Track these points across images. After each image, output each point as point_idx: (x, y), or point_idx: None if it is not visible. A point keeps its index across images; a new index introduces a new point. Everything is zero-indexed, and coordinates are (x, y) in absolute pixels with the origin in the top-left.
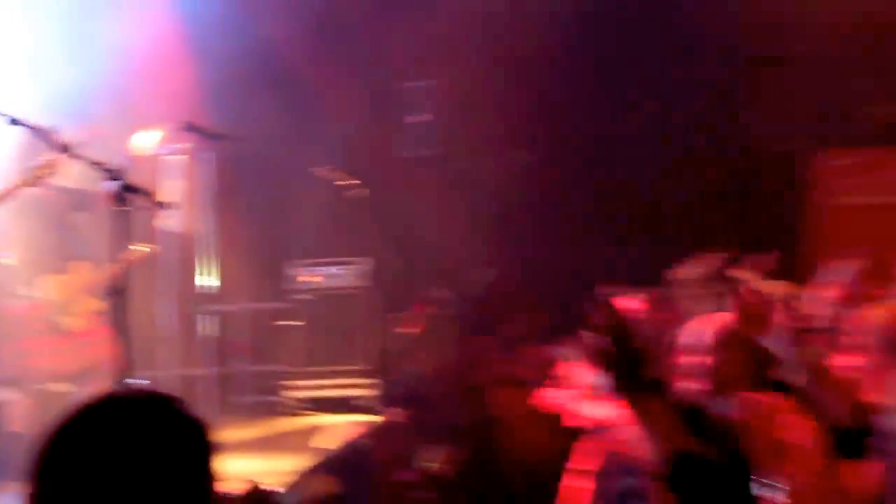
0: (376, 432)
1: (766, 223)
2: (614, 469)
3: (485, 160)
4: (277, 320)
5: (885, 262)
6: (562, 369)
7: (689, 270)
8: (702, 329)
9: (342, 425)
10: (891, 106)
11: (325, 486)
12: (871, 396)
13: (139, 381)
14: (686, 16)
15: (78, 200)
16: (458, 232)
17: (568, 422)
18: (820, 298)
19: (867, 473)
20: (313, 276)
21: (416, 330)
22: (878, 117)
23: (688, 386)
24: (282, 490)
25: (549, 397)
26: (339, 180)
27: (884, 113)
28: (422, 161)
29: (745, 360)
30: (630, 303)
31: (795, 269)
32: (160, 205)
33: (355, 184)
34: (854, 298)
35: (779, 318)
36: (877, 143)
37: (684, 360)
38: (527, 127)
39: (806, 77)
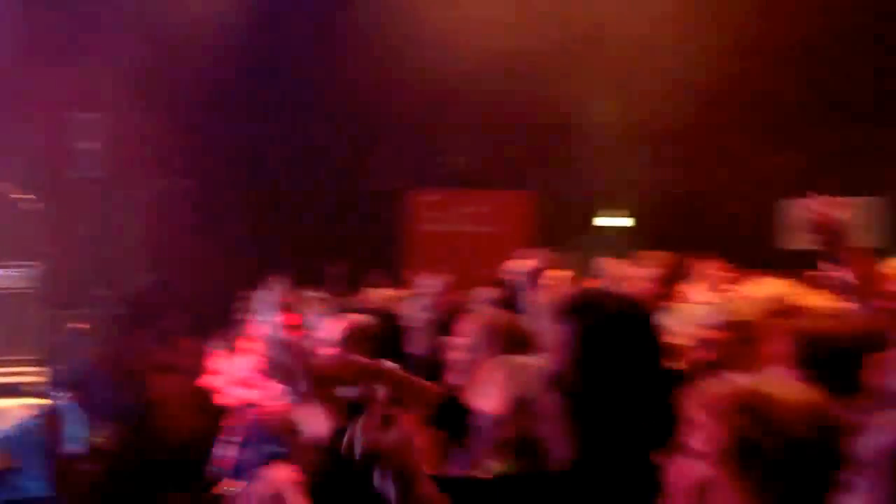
0: (46, 413)
1: (374, 244)
2: (256, 439)
3: (145, 182)
4: None
5: (469, 278)
6: (213, 358)
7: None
8: (334, 328)
9: (15, 408)
10: (464, 156)
11: (2, 462)
12: (467, 391)
13: None
14: (320, 71)
15: None
16: (122, 241)
17: (218, 401)
18: (417, 304)
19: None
20: None
21: (83, 324)
22: (455, 164)
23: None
24: None
25: (201, 381)
26: (16, 194)
27: (460, 161)
28: (91, 181)
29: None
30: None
31: (396, 282)
32: None
33: (31, 198)
34: (445, 305)
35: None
36: (455, 185)
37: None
38: (181, 155)
39: (405, 129)
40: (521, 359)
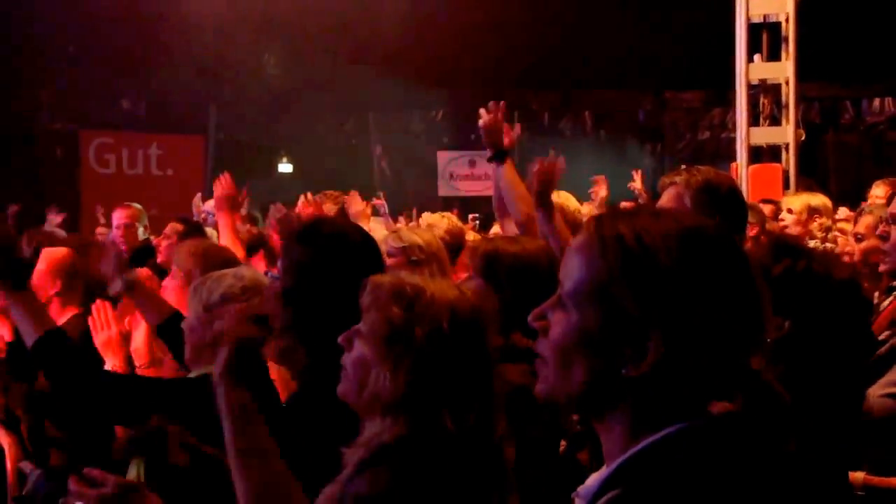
0: None
1: (51, 182)
2: None
3: None
4: None
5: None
6: None
7: None
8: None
9: None
10: (137, 101)
11: None
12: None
13: None
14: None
15: None
16: None
17: None
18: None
19: None
20: None
21: None
22: (126, 108)
23: None
24: None
25: None
26: None
27: (130, 105)
28: None
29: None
30: None
31: (79, 220)
32: None
33: None
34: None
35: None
36: (125, 128)
37: None
38: None
39: (79, 75)
40: (218, 273)
